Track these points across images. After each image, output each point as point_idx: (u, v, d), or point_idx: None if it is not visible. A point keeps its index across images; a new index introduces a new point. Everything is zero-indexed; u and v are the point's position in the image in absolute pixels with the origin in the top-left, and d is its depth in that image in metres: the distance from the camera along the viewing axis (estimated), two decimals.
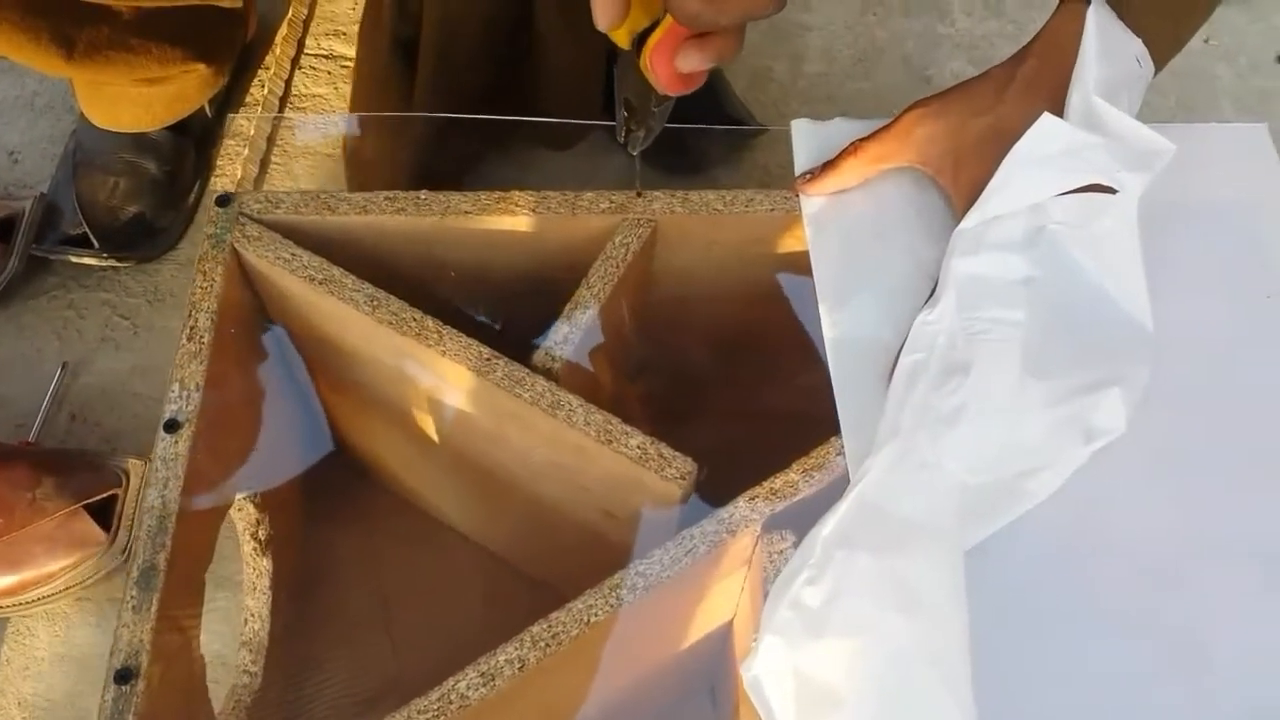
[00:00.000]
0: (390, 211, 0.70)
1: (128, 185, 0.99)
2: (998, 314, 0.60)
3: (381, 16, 0.86)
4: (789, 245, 0.73)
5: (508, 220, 0.70)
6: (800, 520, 0.61)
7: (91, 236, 0.97)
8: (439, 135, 0.92)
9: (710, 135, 1.03)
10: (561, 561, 0.80)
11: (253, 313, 0.72)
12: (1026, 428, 0.58)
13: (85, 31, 0.90)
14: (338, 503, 0.88)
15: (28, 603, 0.83)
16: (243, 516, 0.75)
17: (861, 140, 0.68)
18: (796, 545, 0.58)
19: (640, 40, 0.61)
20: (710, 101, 1.04)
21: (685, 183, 1.04)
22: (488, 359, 0.64)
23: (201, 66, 0.99)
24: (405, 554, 0.87)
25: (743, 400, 0.81)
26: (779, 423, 0.79)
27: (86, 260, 0.97)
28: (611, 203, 0.71)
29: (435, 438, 0.74)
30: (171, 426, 0.62)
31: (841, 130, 0.72)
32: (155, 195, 1.00)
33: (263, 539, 0.77)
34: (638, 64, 0.62)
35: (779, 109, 1.10)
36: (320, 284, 0.67)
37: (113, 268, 0.99)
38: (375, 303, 0.66)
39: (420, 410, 0.73)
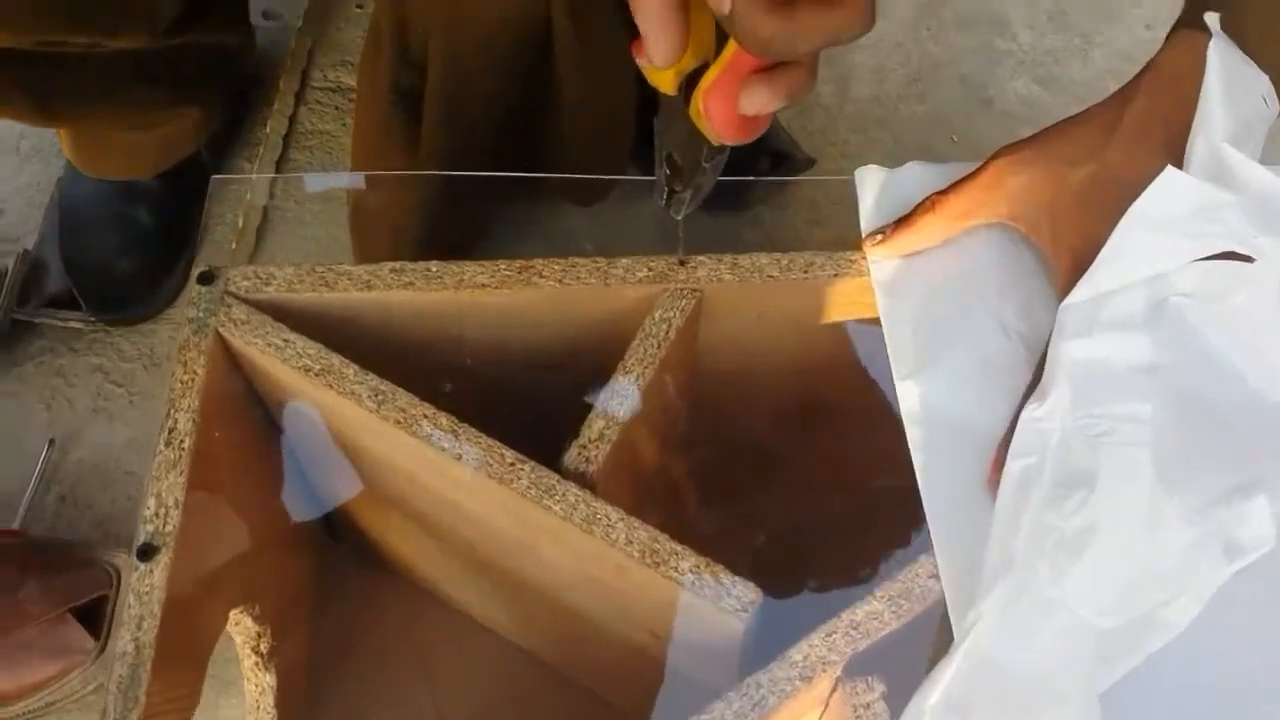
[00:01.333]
0: (397, 286, 0.61)
1: (118, 239, 0.91)
2: (1121, 409, 0.50)
3: (381, 61, 0.77)
4: (855, 311, 0.64)
5: (530, 294, 0.61)
6: (887, 658, 0.51)
7: (79, 297, 0.89)
8: (449, 192, 0.83)
9: (752, 170, 0.93)
10: (602, 671, 0.71)
11: (244, 405, 0.64)
12: (1163, 549, 0.48)
13: (62, 80, 0.81)
14: (347, 590, 0.79)
15: None
16: (240, 631, 0.66)
17: (941, 193, 0.59)
18: (886, 698, 0.49)
19: (689, 84, 0.51)
20: None
21: (724, 223, 0.95)
22: (511, 464, 0.55)
23: (195, 110, 0.91)
24: (428, 650, 0.79)
25: (806, 480, 0.71)
26: (850, 503, 0.69)
27: (72, 324, 0.89)
28: (650, 271, 0.61)
29: (457, 541, 0.65)
30: (147, 553, 0.54)
31: (914, 177, 0.62)
32: (148, 249, 0.92)
33: (264, 652, 0.68)
34: (686, 111, 0.52)
35: (826, 137, 1.00)
36: (317, 375, 0.58)
37: (103, 330, 0.91)
38: (380, 397, 0.57)
39: (439, 513, 0.64)
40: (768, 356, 0.68)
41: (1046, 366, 0.52)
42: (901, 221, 0.60)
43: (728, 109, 0.49)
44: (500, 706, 0.77)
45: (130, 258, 0.91)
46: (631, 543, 0.53)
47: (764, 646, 0.54)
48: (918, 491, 0.54)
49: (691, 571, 0.53)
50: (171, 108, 0.89)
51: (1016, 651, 0.45)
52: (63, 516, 0.84)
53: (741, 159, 0.95)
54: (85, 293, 0.89)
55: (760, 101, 0.48)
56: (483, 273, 0.61)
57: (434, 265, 0.61)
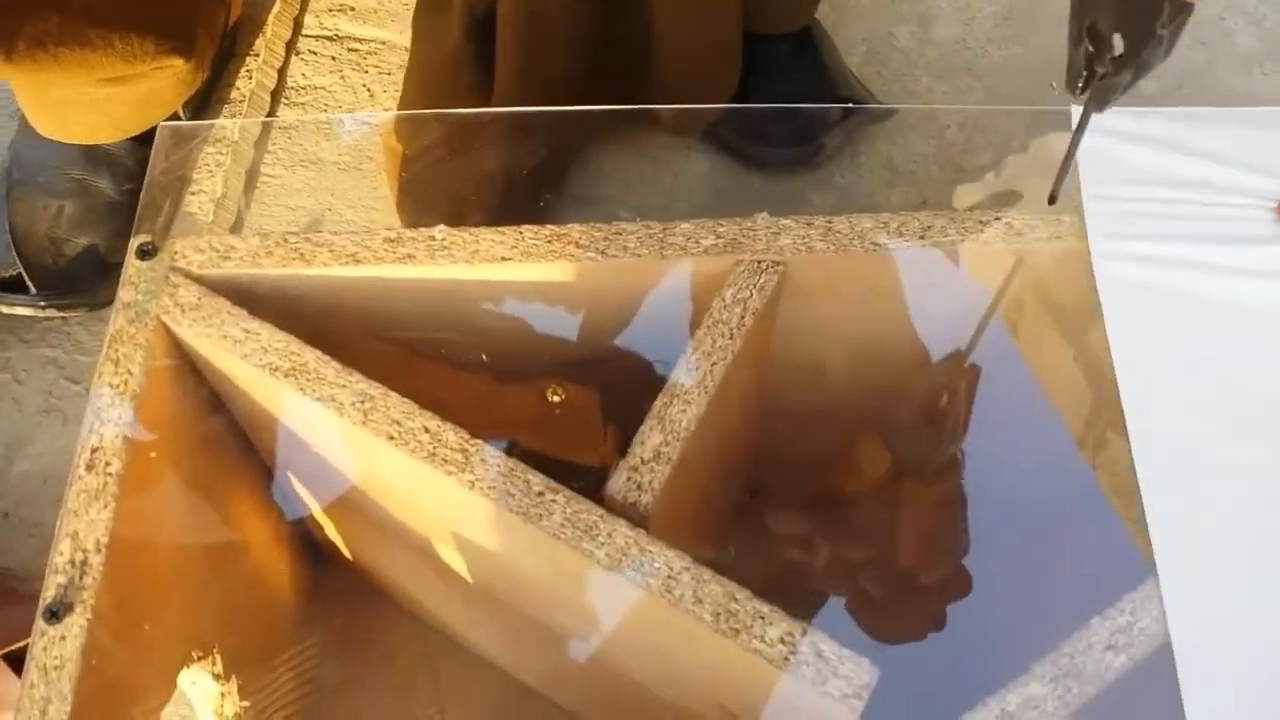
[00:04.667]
0: (391, 259, 0.47)
1: (76, 211, 0.78)
2: None
3: None
4: (989, 291, 0.50)
5: (564, 269, 0.47)
6: None
7: (28, 279, 0.76)
8: (523, 134, 0.71)
9: (822, 122, 0.79)
10: None
11: (198, 411, 0.50)
12: None
13: (29, 23, 0.69)
14: (340, 628, 0.66)
15: None
16: (200, 692, 0.53)
17: None
18: None
19: None
20: (818, 78, 0.80)
21: (788, 187, 0.81)
22: (539, 494, 0.42)
23: (178, 61, 0.78)
24: (440, 699, 0.65)
25: (922, 513, 0.56)
26: (989, 545, 0.55)
27: (20, 310, 0.76)
28: (718, 238, 0.47)
29: (473, 582, 0.52)
30: (56, 614, 0.41)
31: (1157, 125, 0.49)
32: (111, 223, 0.79)
33: (230, 716, 0.55)
34: None
35: (905, 85, 0.86)
36: (287, 376, 0.44)
37: (58, 318, 0.78)
38: (368, 404, 0.43)
39: (449, 549, 0.50)
40: (862, 350, 0.54)
41: None
42: None
43: None
44: None
45: (89, 232, 0.78)
46: (701, 601, 0.40)
47: None
48: (1078, 536, 0.41)
49: (783, 641, 0.39)
50: (154, 59, 0.77)
51: None
52: (4, 538, 0.71)
53: (808, 111, 0.82)
54: (35, 273, 0.76)
55: None
56: (503, 242, 0.47)
57: (440, 232, 0.47)
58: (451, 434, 0.43)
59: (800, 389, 0.56)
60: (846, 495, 0.61)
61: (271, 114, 0.86)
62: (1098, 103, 0.44)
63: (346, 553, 0.62)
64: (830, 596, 0.56)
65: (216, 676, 0.53)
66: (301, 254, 0.47)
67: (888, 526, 0.59)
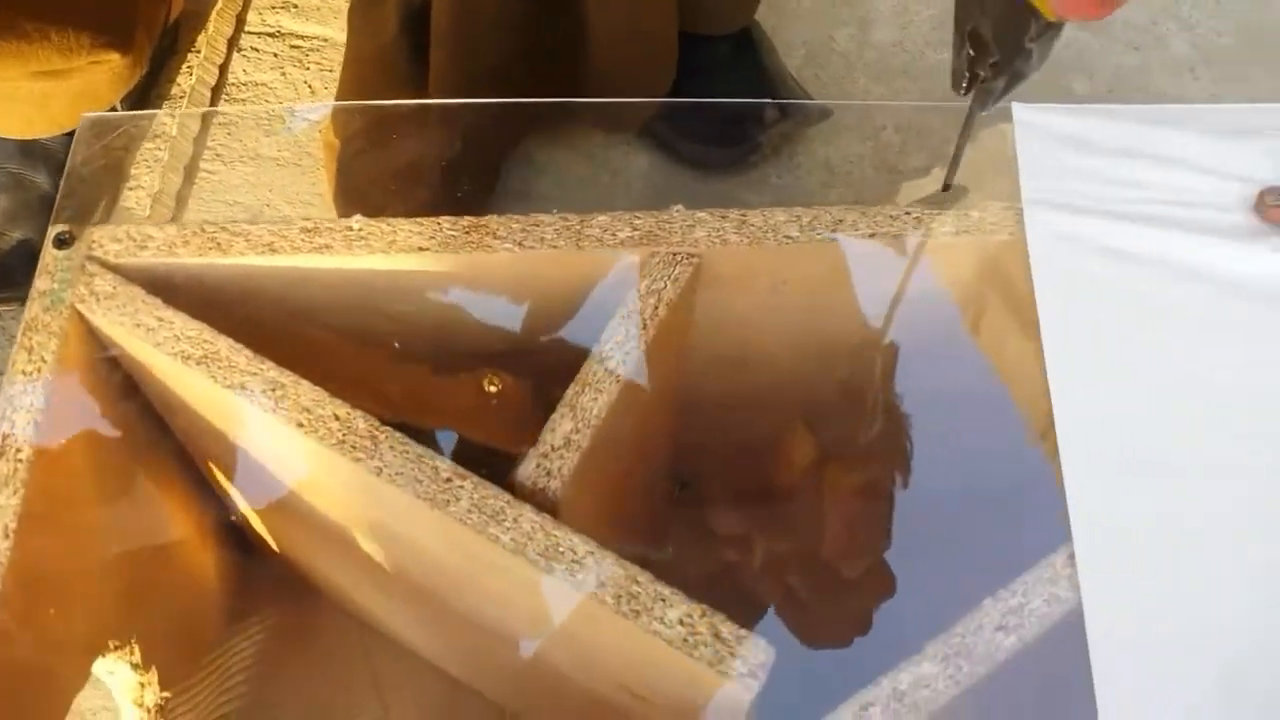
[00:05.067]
0: (309, 249, 0.47)
1: (10, 205, 0.78)
2: None
3: None
4: (898, 283, 0.51)
5: (482, 260, 0.47)
6: None
7: None
8: (456, 126, 0.72)
9: (759, 122, 0.80)
10: None
11: (114, 399, 0.50)
12: None
13: None
14: (270, 622, 0.66)
15: None
16: (117, 681, 0.53)
17: None
18: None
19: None
20: (756, 80, 0.81)
21: (722, 187, 0.81)
22: (447, 480, 0.42)
23: (115, 56, 0.78)
24: (374, 691, 0.65)
25: (828, 499, 0.58)
26: (892, 530, 0.56)
27: None
28: (634, 230, 0.48)
29: (392, 571, 0.52)
30: None
31: (1083, 123, 0.49)
32: (45, 217, 0.77)
33: (151, 707, 0.55)
34: None
35: (843, 87, 0.87)
36: (199, 364, 0.45)
37: None
38: (279, 392, 0.44)
39: (366, 538, 0.50)
40: (783, 340, 0.55)
41: None
42: None
43: None
44: None
45: (23, 226, 0.78)
46: (604, 584, 0.40)
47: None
48: (979, 522, 0.42)
49: (682, 623, 0.39)
50: (90, 52, 0.76)
51: None
52: None
53: (743, 111, 0.83)
54: None
55: None
56: (420, 232, 0.48)
57: (357, 222, 0.48)
58: (361, 421, 0.43)
59: (722, 380, 0.57)
60: (776, 487, 0.62)
61: (212, 109, 0.86)
62: (980, 103, 0.46)
63: (274, 544, 0.63)
64: (764, 595, 0.57)
65: (135, 666, 0.53)
66: (218, 243, 0.48)
67: (816, 518, 0.60)
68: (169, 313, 0.46)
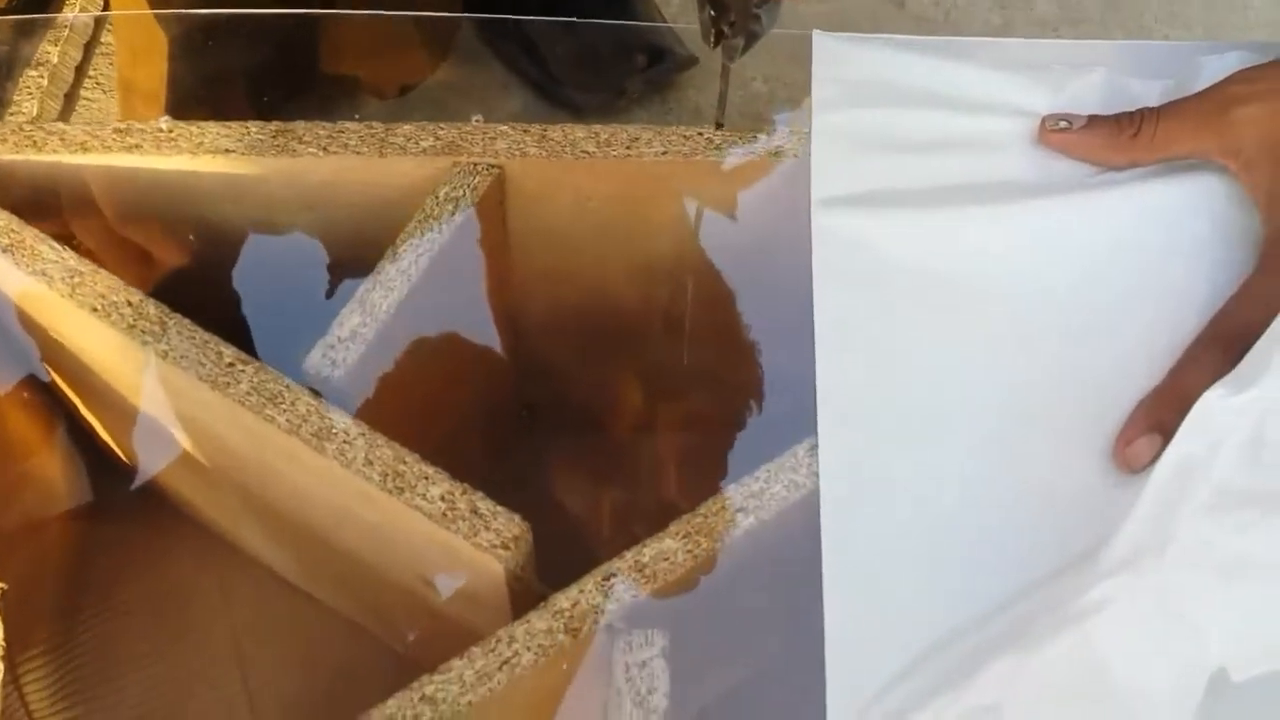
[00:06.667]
0: (119, 149, 0.49)
1: None
2: None
3: None
4: (700, 201, 0.53)
5: (286, 164, 0.50)
6: (676, 610, 0.41)
7: None
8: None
9: (627, 65, 0.82)
10: (391, 622, 0.60)
11: None
12: None
13: None
14: (124, 532, 0.68)
15: None
16: None
17: (1154, 112, 0.46)
18: (666, 654, 0.39)
19: None
20: (622, 19, 0.83)
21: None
22: (230, 364, 0.44)
23: None
24: (215, 601, 0.67)
25: (619, 398, 0.60)
26: (675, 434, 0.59)
27: None
28: (437, 140, 0.50)
29: (205, 465, 0.54)
30: None
31: (882, 54, 0.52)
32: None
33: None
34: None
35: None
36: (5, 252, 0.47)
37: None
38: (75, 279, 0.46)
39: (176, 430, 0.52)
40: (598, 259, 0.57)
41: (1262, 345, 0.40)
42: (1096, 126, 0.47)
43: None
44: (308, 668, 0.66)
45: None
46: (372, 463, 0.43)
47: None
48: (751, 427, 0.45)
49: (443, 499, 0.42)
50: None
51: (1133, 661, 0.35)
52: None
53: (612, 54, 0.85)
54: None
55: None
56: (228, 135, 0.50)
57: (165, 123, 0.50)
58: (153, 308, 0.45)
59: (547, 299, 0.59)
60: (612, 419, 0.65)
61: (95, 39, 0.87)
62: (728, 56, 0.49)
63: (122, 455, 0.64)
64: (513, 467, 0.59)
65: None
66: (34, 141, 0.49)
67: (647, 455, 0.62)
68: None
